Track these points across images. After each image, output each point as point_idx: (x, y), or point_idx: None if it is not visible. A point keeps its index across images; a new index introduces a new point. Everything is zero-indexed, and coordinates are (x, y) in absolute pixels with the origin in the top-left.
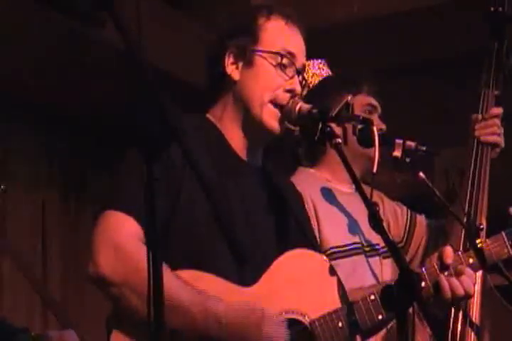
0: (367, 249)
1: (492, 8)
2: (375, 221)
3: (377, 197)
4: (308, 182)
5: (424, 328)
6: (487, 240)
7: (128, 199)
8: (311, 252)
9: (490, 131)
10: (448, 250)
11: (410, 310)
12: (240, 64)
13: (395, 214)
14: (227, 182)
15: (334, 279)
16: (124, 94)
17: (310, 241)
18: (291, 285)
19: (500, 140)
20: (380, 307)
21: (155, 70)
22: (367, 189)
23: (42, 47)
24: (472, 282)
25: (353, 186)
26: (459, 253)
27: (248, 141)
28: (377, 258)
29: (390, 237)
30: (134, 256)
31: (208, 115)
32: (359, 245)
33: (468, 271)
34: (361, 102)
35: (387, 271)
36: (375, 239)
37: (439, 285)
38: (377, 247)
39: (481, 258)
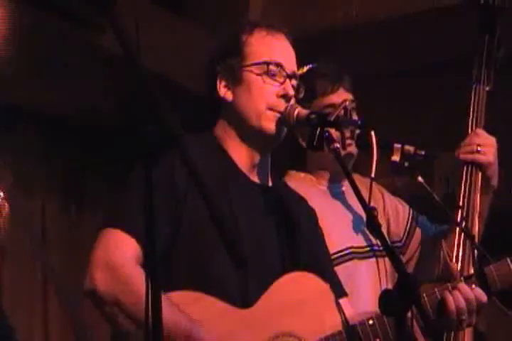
0: (360, 250)
1: (482, 1)
2: (373, 226)
3: (377, 192)
4: (303, 187)
5: (422, 332)
6: (491, 266)
7: (130, 219)
8: (311, 275)
9: (467, 149)
10: (453, 264)
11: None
12: (231, 84)
13: (396, 210)
14: (235, 202)
15: (333, 303)
16: (124, 101)
17: (318, 262)
18: (290, 308)
19: (479, 157)
20: (378, 332)
21: (153, 74)
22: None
23: (42, 51)
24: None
25: (344, 183)
26: (462, 279)
27: (252, 158)
28: (372, 259)
29: (388, 242)
30: (128, 279)
31: (213, 135)
32: (350, 250)
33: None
34: (318, 108)
35: (383, 270)
36: (370, 239)
37: (444, 300)
38: (374, 248)
39: (484, 285)
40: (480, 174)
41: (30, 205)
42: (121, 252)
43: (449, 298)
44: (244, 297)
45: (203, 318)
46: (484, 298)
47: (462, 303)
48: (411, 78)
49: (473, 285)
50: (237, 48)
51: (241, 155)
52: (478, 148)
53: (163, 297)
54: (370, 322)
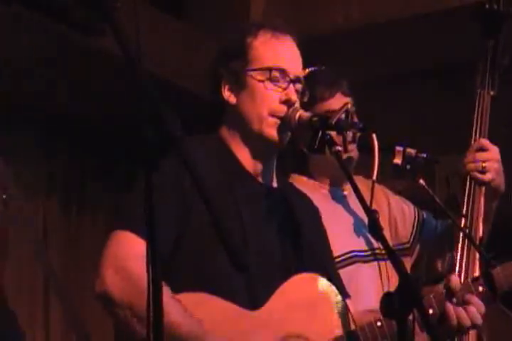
0: (361, 254)
1: (487, 6)
2: (375, 229)
3: (383, 196)
4: (306, 191)
5: (423, 334)
6: (498, 268)
7: (136, 220)
8: (319, 277)
9: (473, 166)
10: (454, 278)
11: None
12: (235, 88)
13: (402, 212)
14: (240, 202)
15: (341, 304)
16: (124, 104)
17: (322, 263)
18: (297, 310)
19: (483, 177)
20: (386, 334)
21: (153, 75)
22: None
23: (41, 52)
24: (480, 312)
25: (346, 188)
26: (469, 281)
27: (257, 159)
28: (374, 263)
29: (390, 245)
30: (140, 279)
31: (218, 136)
32: (353, 253)
33: (477, 300)
34: (318, 113)
35: (385, 273)
36: (371, 242)
37: (446, 313)
38: (375, 252)
39: (491, 286)
40: (481, 192)
41: (31, 205)
42: (131, 252)
43: (452, 316)
44: (252, 298)
45: (210, 320)
46: (483, 308)
47: (467, 322)
48: (410, 81)
49: (480, 288)
50: (242, 51)
51: (246, 156)
52: (483, 165)
53: (175, 301)
54: (378, 323)
